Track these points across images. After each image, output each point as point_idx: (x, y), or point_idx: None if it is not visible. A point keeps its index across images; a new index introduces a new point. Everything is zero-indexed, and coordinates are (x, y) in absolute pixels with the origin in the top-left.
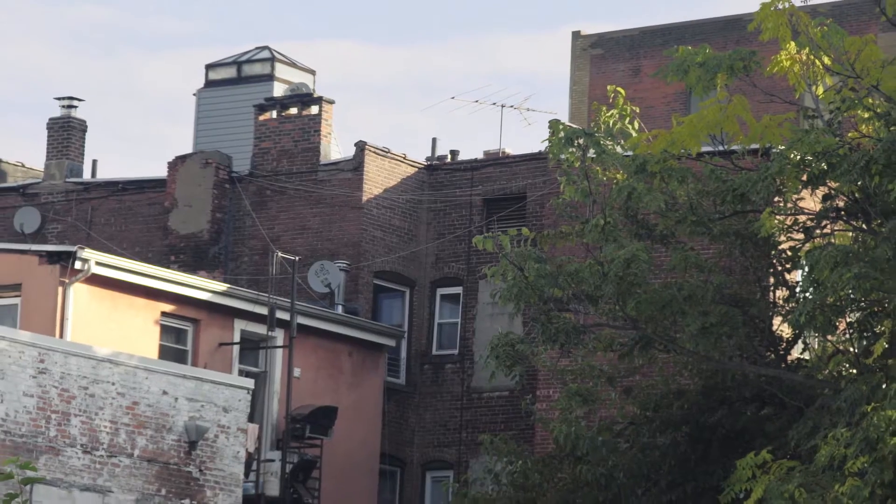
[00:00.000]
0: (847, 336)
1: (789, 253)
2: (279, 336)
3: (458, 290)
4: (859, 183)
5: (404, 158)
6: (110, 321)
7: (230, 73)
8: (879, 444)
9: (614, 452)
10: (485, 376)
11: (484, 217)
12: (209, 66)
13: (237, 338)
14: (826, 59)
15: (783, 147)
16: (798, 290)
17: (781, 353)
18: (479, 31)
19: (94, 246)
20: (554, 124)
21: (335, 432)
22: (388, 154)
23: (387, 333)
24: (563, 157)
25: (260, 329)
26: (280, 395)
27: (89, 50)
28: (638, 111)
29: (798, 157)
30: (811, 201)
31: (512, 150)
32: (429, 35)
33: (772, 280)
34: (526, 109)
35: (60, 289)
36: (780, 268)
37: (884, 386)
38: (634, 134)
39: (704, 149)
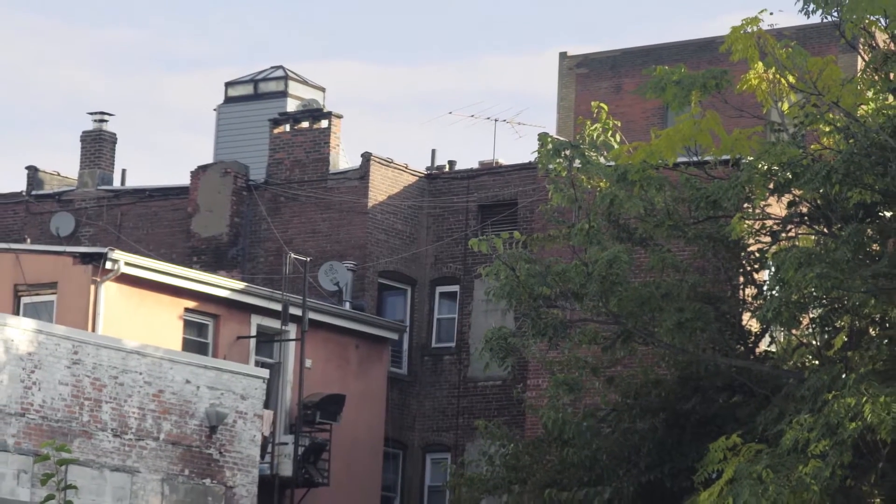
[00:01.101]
0: (810, 330)
1: (757, 254)
2: (292, 330)
3: (456, 288)
4: (821, 191)
5: (406, 168)
6: (138, 316)
7: (247, 90)
8: (839, 428)
9: (598, 436)
10: (480, 367)
11: (479, 221)
12: (228, 84)
13: (254, 331)
14: (791, 78)
15: (752, 158)
16: (765, 288)
17: (750, 345)
18: (474, 52)
19: (124, 248)
20: (543, 137)
21: (343, 418)
22: (392, 164)
23: (390, 328)
24: (551, 167)
25: (274, 324)
26: (293, 383)
27: (119, 69)
28: (619, 125)
29: (765, 167)
30: (777, 207)
31: (504, 160)
32: (428, 56)
33: (741, 279)
34: (517, 123)
35: (92, 287)
36: (748, 268)
37: (843, 376)
38: (616, 146)
39: (680, 159)
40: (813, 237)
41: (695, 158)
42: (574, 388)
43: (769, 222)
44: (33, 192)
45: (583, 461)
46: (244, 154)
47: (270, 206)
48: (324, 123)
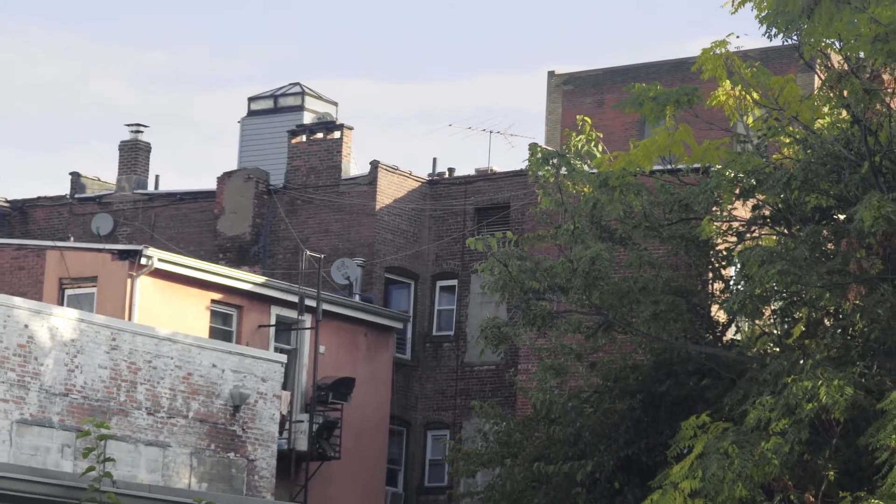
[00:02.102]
0: (771, 321)
1: (724, 253)
2: (307, 319)
3: (454, 282)
4: (782, 196)
5: (410, 175)
6: (169, 307)
7: (268, 104)
8: (797, 409)
9: (581, 416)
10: (475, 353)
11: (475, 223)
12: (251, 99)
13: (273, 321)
14: (755, 95)
15: (720, 166)
16: (731, 283)
17: (718, 334)
18: (471, 71)
19: (157, 245)
20: (532, 147)
21: (353, 398)
22: (397, 171)
23: (395, 318)
24: (540, 173)
25: (292, 314)
26: (308, 367)
27: (153, 86)
28: (601, 136)
29: (732, 174)
30: (742, 211)
31: (498, 167)
32: (430, 75)
33: (710, 275)
34: (509, 135)
35: (129, 280)
36: (717, 265)
37: (801, 362)
38: (598, 155)
39: (656, 167)
40: (774, 237)
41: (669, 167)
42: (560, 373)
43: (735, 224)
44: (76, 196)
45: (568, 438)
46: (265, 162)
47: (288, 209)
48: (336, 134)
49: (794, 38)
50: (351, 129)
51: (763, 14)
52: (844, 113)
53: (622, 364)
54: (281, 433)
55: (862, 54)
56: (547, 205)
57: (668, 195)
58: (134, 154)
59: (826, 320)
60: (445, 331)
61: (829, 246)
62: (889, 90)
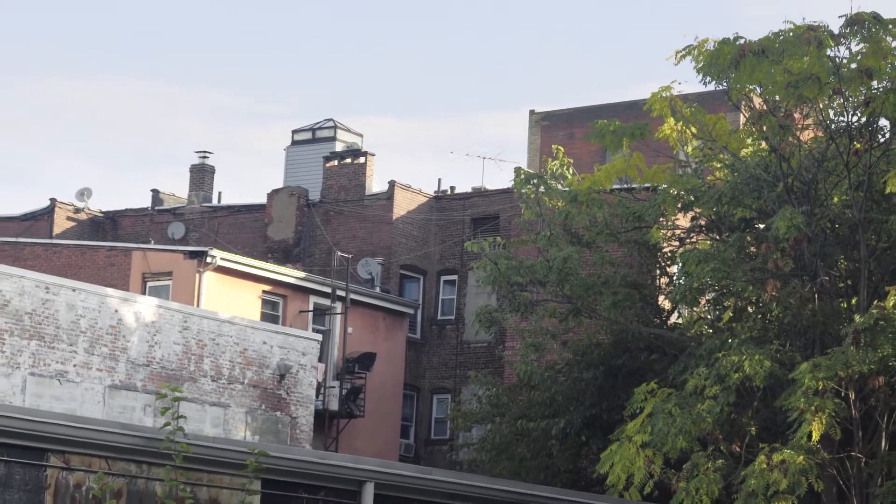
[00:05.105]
0: (706, 308)
1: (669, 254)
2: (338, 306)
3: (455, 277)
4: (714, 209)
5: (420, 192)
6: (229, 296)
7: (307, 135)
8: (726, 378)
9: (555, 383)
10: (472, 333)
11: (472, 230)
12: (294, 132)
13: (311, 307)
14: (693, 129)
15: (665, 185)
16: (675, 278)
17: (664, 319)
18: (469, 110)
19: (219, 247)
20: (517, 170)
21: (374, 369)
22: (410, 189)
23: (408, 305)
24: (523, 191)
25: (325, 302)
26: (339, 344)
27: (218, 121)
28: (572, 162)
29: (675, 192)
30: (684, 221)
31: (490, 186)
32: (437, 112)
33: (657, 272)
34: (499, 160)
35: (197, 275)
36: (663, 264)
37: (729, 341)
38: (569, 176)
39: (615, 186)
40: (709, 242)
41: (625, 186)
42: (539, 349)
43: (678, 231)
44: (156, 208)
45: (544, 400)
46: (305, 181)
47: (323, 218)
48: (362, 160)
49: (724, 84)
50: (373, 155)
51: (700, 65)
52: (764, 144)
53: (588, 342)
54: (317, 396)
55: (777, 97)
56: (529, 216)
57: (624, 208)
58: (201, 175)
59: (749, 308)
60: (448, 315)
61: (752, 249)
62: (799, 126)
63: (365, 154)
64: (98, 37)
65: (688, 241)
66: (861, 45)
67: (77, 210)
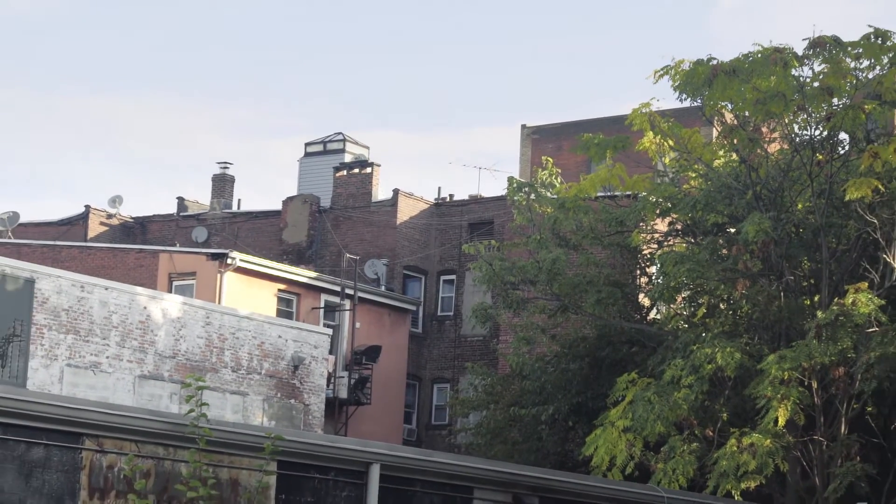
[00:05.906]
0: (682, 305)
1: (648, 256)
2: (347, 303)
3: (453, 277)
4: (690, 215)
5: (421, 199)
6: (248, 294)
7: (319, 148)
8: (701, 368)
9: (545, 373)
10: (469, 328)
11: (469, 234)
12: (307, 144)
13: (322, 304)
14: (670, 142)
15: (645, 193)
16: (653, 277)
17: (643, 315)
18: (466, 124)
19: (239, 250)
20: (510, 179)
21: (380, 360)
22: (412, 196)
23: (411, 302)
24: (515, 198)
25: (335, 299)
26: (347, 338)
27: (237, 134)
28: (560, 172)
29: (654, 199)
30: (662, 225)
31: (485, 193)
32: (437, 126)
33: (638, 272)
34: (494, 170)
35: (219, 275)
36: (643, 265)
37: (703, 335)
38: (558, 185)
39: (599, 194)
40: (684, 245)
41: (609, 194)
42: (530, 342)
43: (656, 235)
44: (181, 214)
45: (535, 389)
46: (317, 189)
47: (333, 223)
48: (368, 170)
49: (699, 101)
50: (379, 165)
51: (676, 83)
52: (735, 155)
53: (574, 336)
54: (328, 385)
55: (747, 113)
56: (521, 221)
57: (607, 214)
58: (223, 183)
59: (721, 305)
60: (447, 312)
61: (724, 251)
62: (766, 139)
63: (371, 165)
64: (133, 57)
65: (665, 243)
66: (823, 65)
67: (109, 216)
